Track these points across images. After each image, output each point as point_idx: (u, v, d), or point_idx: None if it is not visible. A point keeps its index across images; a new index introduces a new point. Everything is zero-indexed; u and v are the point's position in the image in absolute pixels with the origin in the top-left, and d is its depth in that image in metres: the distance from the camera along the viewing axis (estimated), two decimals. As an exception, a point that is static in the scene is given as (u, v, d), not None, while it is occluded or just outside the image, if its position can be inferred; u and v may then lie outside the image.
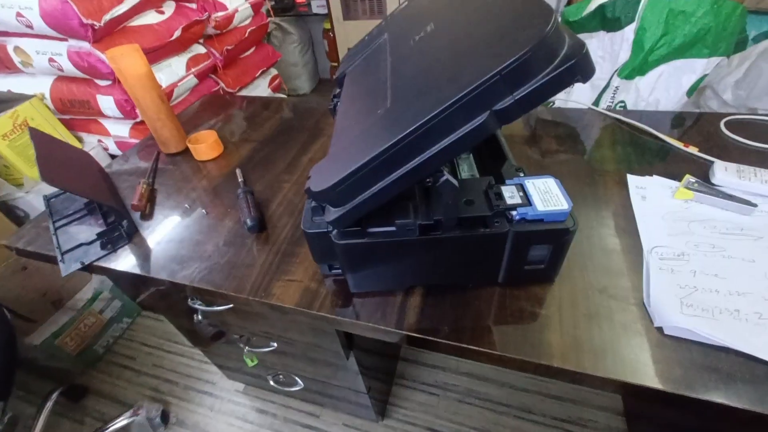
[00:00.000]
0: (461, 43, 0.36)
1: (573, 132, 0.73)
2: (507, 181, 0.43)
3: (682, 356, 0.38)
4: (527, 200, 0.40)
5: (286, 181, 0.68)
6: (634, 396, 0.38)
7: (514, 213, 0.40)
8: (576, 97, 1.01)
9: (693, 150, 0.62)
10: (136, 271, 0.53)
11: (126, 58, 0.65)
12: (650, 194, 0.55)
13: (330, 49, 2.63)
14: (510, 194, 0.41)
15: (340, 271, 0.48)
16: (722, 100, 1.05)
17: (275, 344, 0.73)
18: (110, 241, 0.58)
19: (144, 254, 0.56)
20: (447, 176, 0.35)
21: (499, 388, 1.10)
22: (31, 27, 1.00)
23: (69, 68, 1.08)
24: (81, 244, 0.59)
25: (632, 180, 0.58)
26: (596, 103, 0.99)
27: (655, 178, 0.57)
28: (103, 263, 0.56)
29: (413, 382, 1.13)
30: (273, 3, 2.40)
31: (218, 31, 1.42)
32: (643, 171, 0.60)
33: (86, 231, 0.62)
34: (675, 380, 0.36)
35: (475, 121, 0.29)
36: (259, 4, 1.62)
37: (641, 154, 0.65)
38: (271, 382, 0.95)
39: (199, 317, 0.71)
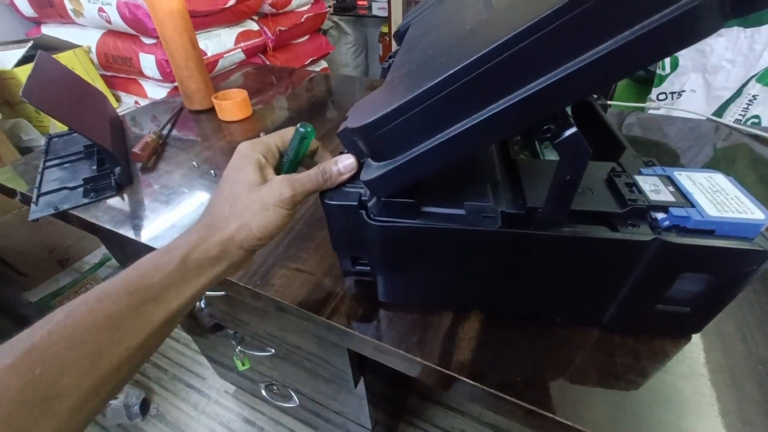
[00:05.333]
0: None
1: (679, 146, 0.56)
2: (642, 170, 0.28)
3: None
4: (685, 199, 0.25)
5: (316, 153, 0.56)
6: None
7: (661, 216, 0.25)
8: (685, 106, 0.80)
9: None
10: (109, 225, 0.42)
11: (159, -12, 0.57)
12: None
13: (384, 53, 2.57)
14: (652, 187, 0.26)
15: (368, 268, 0.34)
16: None
17: (272, 350, 0.60)
18: (95, 189, 0.48)
19: (128, 209, 0.45)
20: (575, 129, 0.21)
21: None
22: (85, -29, 0.96)
23: (117, 21, 1.03)
24: (63, 188, 0.49)
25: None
26: (718, 115, 0.78)
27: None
28: (79, 212, 0.45)
29: (425, 423, 0.96)
30: (335, 1, 2.37)
31: (274, 10, 1.38)
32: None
33: (76, 175, 0.52)
34: None
35: (679, 5, 0.15)
36: (320, -8, 1.57)
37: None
38: (264, 392, 0.81)
39: (202, 305, 0.60)
